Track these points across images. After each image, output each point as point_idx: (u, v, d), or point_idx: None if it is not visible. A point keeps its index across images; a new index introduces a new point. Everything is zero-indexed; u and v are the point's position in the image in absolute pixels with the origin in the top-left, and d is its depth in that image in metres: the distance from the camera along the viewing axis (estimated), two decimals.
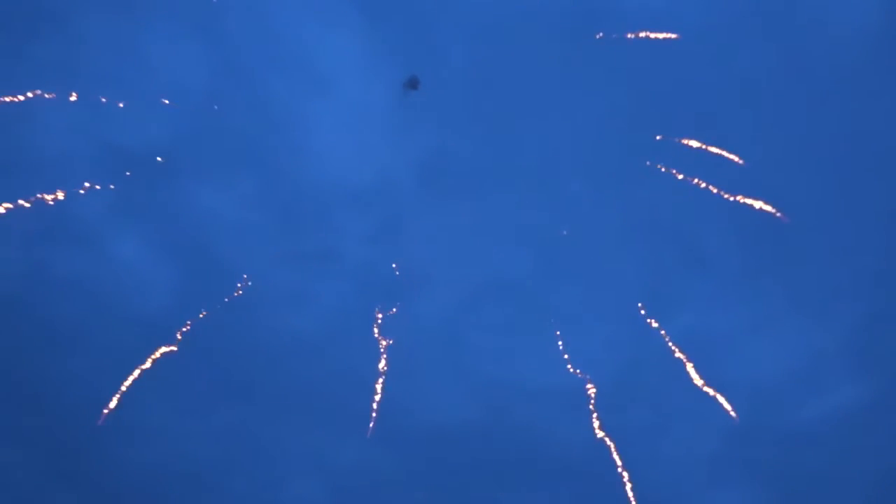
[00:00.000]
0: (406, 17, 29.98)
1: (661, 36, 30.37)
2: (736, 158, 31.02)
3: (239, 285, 33.94)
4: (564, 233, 31.00)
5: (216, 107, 31.29)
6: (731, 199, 31.56)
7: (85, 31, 29.66)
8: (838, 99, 30.97)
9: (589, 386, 36.06)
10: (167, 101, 30.97)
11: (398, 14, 29.95)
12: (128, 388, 36.66)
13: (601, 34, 30.13)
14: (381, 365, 34.86)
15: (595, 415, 36.52)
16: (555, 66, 30.91)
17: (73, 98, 30.38)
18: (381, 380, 34.90)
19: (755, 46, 30.95)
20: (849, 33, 30.16)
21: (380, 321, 35.63)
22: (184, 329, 35.69)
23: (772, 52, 30.94)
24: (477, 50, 31.13)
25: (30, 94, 30.09)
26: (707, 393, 35.64)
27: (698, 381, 34.97)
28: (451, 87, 31.51)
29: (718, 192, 31.49)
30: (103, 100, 30.55)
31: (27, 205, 32.98)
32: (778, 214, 30.19)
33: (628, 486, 36.91)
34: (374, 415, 34.95)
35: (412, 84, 30.08)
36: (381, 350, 35.13)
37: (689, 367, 34.98)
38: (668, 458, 38.13)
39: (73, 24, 29.48)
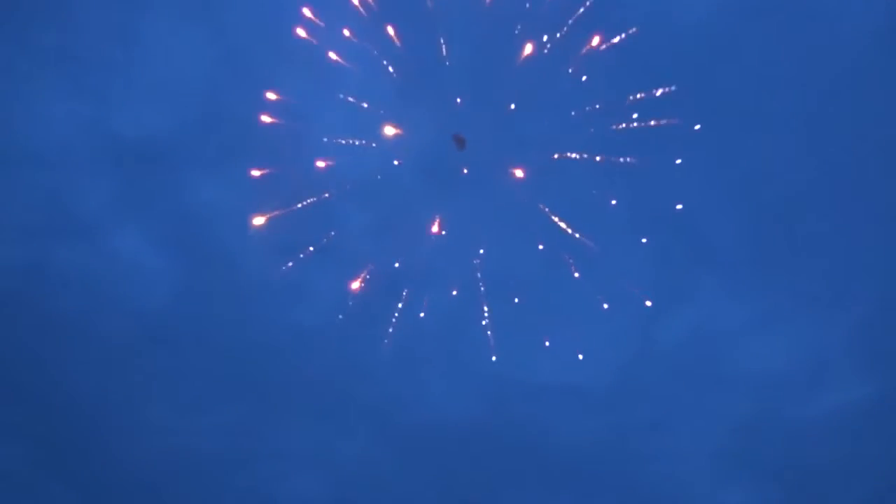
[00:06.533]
0: (410, 7, 29.81)
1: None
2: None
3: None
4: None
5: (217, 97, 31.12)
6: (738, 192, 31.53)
7: (84, 20, 29.55)
8: (847, 94, 30.81)
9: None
10: (168, 92, 30.85)
11: (402, 4, 29.80)
12: (128, 382, 36.61)
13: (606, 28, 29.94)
14: None
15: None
16: (560, 57, 30.70)
17: (73, 88, 30.24)
18: None
19: (761, 41, 30.78)
20: (857, 29, 30.00)
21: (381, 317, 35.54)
22: (184, 323, 35.61)
23: (779, 48, 30.77)
24: (480, 42, 30.94)
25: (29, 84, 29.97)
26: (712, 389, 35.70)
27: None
28: (455, 80, 31.34)
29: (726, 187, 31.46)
30: (103, 89, 30.43)
31: (26, 197, 32.89)
32: None
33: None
34: None
35: (458, 141, 30.20)
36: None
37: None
38: (672, 454, 37.96)
39: (72, 12, 29.35)
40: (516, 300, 34.73)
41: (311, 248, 32.90)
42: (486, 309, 34.12)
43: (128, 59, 30.49)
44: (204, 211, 33.66)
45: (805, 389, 36.03)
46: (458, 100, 31.34)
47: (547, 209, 31.87)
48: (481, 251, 34.16)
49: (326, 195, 32.83)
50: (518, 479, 39.36)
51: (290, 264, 33.33)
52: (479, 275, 34.70)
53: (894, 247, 33.26)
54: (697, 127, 29.55)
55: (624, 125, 30.05)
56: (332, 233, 33.87)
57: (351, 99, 31.44)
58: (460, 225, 34.04)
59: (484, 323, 34.22)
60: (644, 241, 32.71)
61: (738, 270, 34.17)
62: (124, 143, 32.01)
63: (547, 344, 35.74)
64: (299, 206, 33.30)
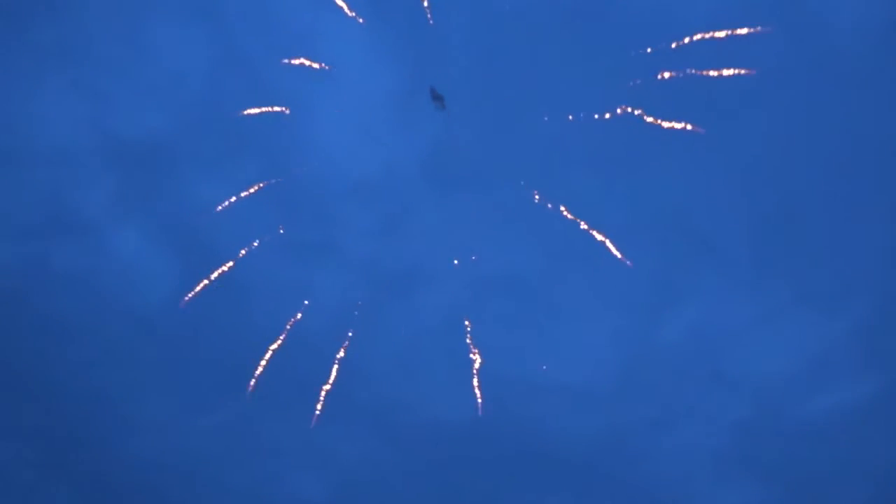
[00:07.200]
0: (411, 5, 29.72)
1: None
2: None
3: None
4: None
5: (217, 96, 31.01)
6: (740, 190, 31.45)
7: (85, 19, 29.46)
8: (849, 92, 30.72)
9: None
10: (168, 90, 30.74)
11: (403, 2, 29.73)
12: (128, 381, 36.50)
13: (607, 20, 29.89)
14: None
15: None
16: (560, 55, 30.64)
17: (73, 86, 30.12)
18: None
19: (761, 39, 30.66)
20: (859, 28, 29.91)
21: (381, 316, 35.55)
22: (184, 322, 35.52)
23: (779, 45, 30.68)
24: (482, 40, 30.88)
25: (28, 83, 29.83)
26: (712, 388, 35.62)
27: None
28: (457, 78, 31.27)
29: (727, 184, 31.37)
30: (103, 88, 30.32)
31: (26, 196, 32.79)
32: None
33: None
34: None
35: (436, 98, 30.05)
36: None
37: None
38: (673, 452, 37.94)
39: (72, 12, 29.27)
40: (518, 299, 34.83)
41: (281, 230, 32.54)
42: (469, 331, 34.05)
43: (128, 58, 30.43)
44: (204, 211, 33.54)
45: (806, 389, 36.00)
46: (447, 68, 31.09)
47: (551, 206, 31.78)
48: (473, 257, 34.22)
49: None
50: (518, 479, 39.31)
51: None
52: (478, 274, 34.74)
53: (895, 246, 33.24)
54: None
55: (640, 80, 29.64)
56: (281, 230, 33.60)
57: (353, 96, 31.45)
58: (460, 224, 34.03)
59: (468, 340, 34.11)
60: (645, 239, 32.64)
61: (739, 269, 34.09)
62: (124, 143, 31.95)
63: (545, 368, 36.05)
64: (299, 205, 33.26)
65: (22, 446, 37.05)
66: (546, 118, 31.04)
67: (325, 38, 30.72)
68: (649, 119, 28.99)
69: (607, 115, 29.44)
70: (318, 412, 34.08)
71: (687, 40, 28.72)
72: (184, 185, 32.83)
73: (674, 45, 28.86)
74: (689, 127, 29.03)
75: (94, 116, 31.36)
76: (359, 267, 34.95)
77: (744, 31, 28.29)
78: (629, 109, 29.14)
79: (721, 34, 28.55)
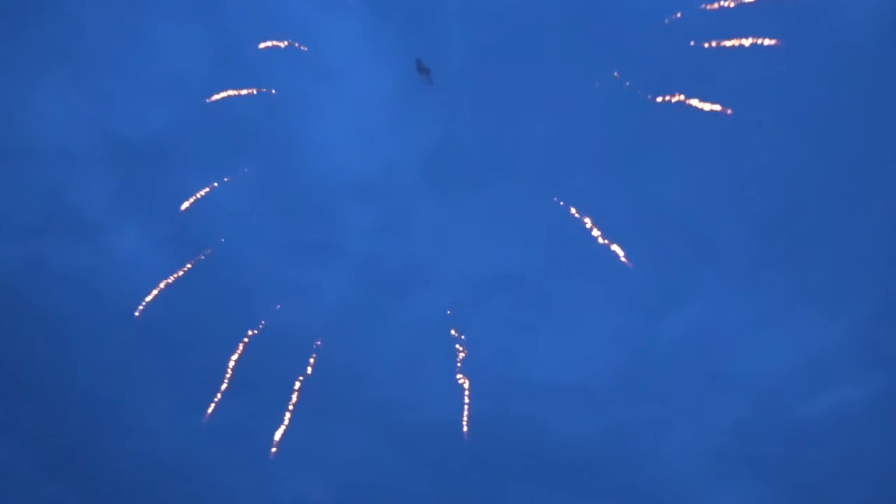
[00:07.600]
0: (411, 4, 29.75)
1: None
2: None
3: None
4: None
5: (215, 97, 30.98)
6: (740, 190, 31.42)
7: (85, 19, 29.50)
8: (849, 93, 30.72)
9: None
10: (167, 90, 30.74)
11: (403, 1, 29.78)
12: (127, 381, 36.45)
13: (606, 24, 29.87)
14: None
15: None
16: (560, 56, 30.64)
17: (73, 85, 30.13)
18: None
19: (763, 37, 30.64)
20: (861, 28, 29.90)
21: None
22: (183, 322, 35.48)
23: (781, 45, 30.65)
24: (482, 39, 30.89)
25: (29, 82, 29.84)
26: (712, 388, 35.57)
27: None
28: (457, 77, 31.27)
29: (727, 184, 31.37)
30: (103, 87, 30.33)
31: (26, 195, 32.78)
32: None
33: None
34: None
35: (422, 70, 29.93)
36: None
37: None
38: (673, 453, 37.91)
39: (73, 11, 29.30)
40: (518, 298, 34.75)
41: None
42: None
43: (128, 58, 30.49)
44: (203, 209, 33.52)
45: (805, 389, 35.98)
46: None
47: (551, 206, 31.75)
48: (484, 249, 34.17)
49: None
50: (518, 479, 39.26)
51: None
52: (478, 273, 34.68)
53: (895, 246, 33.22)
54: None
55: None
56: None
57: (353, 95, 31.46)
58: (461, 223, 34.02)
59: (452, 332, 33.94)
60: (644, 239, 32.57)
61: (738, 269, 34.13)
62: (124, 142, 32.03)
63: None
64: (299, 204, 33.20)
65: (22, 446, 37.01)
66: (545, 112, 31.09)
67: (325, 35, 30.79)
68: (639, 91, 28.92)
69: (597, 84, 29.38)
70: (292, 405, 33.96)
71: (679, 15, 28.67)
72: (184, 185, 32.80)
73: (666, 21, 28.80)
74: (714, 108, 28.88)
75: (94, 116, 31.44)
76: (359, 266, 34.95)
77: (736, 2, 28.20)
78: (616, 74, 29.02)
79: (713, 6, 28.47)
